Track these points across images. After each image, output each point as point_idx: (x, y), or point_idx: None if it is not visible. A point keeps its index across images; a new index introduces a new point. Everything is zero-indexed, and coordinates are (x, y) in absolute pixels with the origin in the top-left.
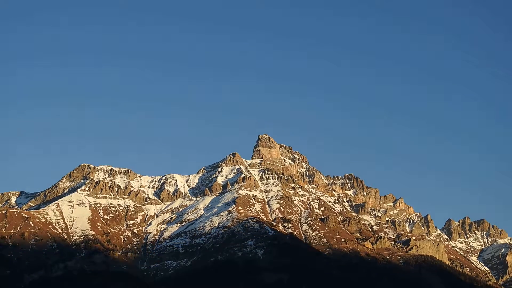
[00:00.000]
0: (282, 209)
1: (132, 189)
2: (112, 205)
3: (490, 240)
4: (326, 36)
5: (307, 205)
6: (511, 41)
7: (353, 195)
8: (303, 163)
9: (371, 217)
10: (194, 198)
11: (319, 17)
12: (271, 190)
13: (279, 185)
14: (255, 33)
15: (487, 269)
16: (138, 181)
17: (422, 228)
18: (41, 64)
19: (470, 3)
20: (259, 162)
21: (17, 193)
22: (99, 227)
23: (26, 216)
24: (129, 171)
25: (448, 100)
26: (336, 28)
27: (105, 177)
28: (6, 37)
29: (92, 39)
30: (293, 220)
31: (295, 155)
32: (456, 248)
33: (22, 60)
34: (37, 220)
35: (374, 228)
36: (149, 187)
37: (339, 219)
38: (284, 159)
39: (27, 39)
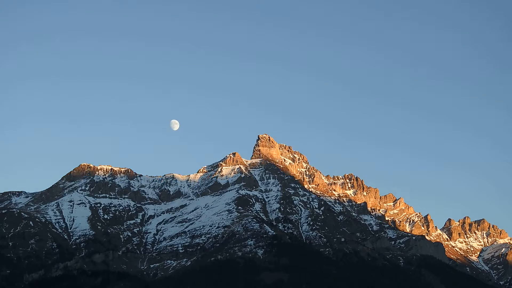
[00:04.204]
0: (282, 209)
1: (132, 189)
2: (112, 205)
3: (490, 240)
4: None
5: (307, 205)
6: None
7: (353, 195)
8: (303, 163)
9: (371, 217)
10: (194, 198)
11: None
12: (271, 190)
13: (279, 185)
14: (254, 42)
15: (487, 269)
16: (138, 180)
17: (422, 228)
18: (41, 69)
19: None
20: (259, 162)
21: (17, 193)
22: (99, 227)
23: (26, 216)
24: (129, 170)
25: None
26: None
27: (105, 177)
28: (7, 53)
29: (92, 47)
30: (293, 220)
31: (295, 155)
32: (456, 248)
33: (22, 65)
34: (37, 220)
35: (374, 228)
36: (149, 187)
37: (339, 219)
38: (284, 159)
39: (28, 55)
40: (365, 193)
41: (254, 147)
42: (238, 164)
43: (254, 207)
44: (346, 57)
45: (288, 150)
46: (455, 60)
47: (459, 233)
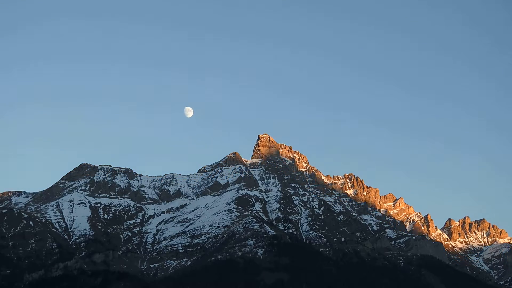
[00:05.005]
0: (282, 209)
1: (132, 188)
2: (112, 205)
3: (490, 240)
4: (326, 43)
5: (307, 205)
6: None
7: (353, 195)
8: (303, 163)
9: (371, 217)
10: (194, 198)
11: (317, 23)
12: (271, 190)
13: (279, 185)
14: (254, 35)
15: (487, 269)
16: (138, 180)
17: (422, 227)
18: (40, 65)
19: None
20: (259, 161)
21: (17, 193)
22: (99, 227)
23: (26, 216)
24: (129, 170)
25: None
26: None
27: (105, 177)
28: (5, 39)
29: (91, 40)
30: (293, 220)
31: (295, 155)
32: (456, 248)
33: (21, 62)
34: (37, 220)
35: (374, 228)
36: (149, 187)
37: (339, 219)
38: (284, 159)
39: (26, 41)
40: (365, 193)
41: (254, 147)
42: (238, 164)
43: (254, 207)
44: (342, 35)
45: (288, 150)
46: (455, 36)
47: (459, 233)
